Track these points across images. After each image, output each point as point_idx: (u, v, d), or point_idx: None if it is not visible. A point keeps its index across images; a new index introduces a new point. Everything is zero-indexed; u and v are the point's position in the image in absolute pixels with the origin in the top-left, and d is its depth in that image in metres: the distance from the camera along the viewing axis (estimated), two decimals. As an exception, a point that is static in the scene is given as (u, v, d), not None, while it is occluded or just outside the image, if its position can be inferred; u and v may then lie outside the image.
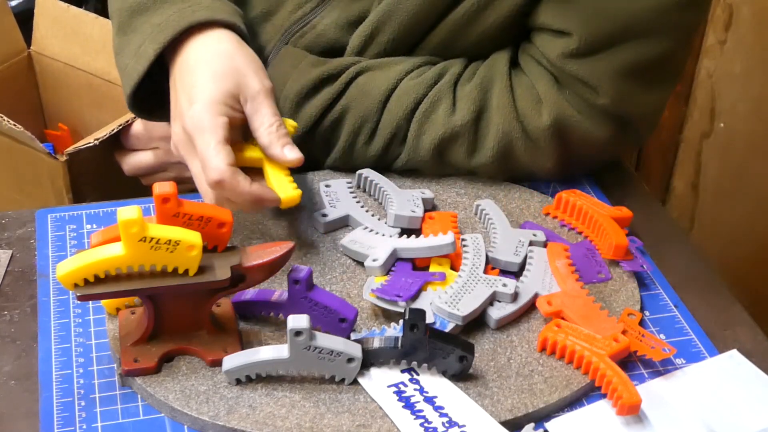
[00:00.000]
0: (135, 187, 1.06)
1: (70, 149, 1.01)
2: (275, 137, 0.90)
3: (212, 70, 0.91)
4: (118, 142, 1.07)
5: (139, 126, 1.05)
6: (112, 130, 1.02)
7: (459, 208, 1.01)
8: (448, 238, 0.91)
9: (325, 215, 0.97)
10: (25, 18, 1.25)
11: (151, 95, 0.98)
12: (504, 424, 0.78)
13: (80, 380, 0.81)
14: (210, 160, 0.86)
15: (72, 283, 0.76)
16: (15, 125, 0.99)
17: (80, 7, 1.16)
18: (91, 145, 1.00)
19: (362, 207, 0.98)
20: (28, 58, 1.21)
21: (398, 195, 0.98)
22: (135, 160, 1.06)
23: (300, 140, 1.01)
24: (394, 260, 0.92)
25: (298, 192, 0.89)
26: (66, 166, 1.01)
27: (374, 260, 0.90)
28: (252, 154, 0.91)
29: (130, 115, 1.05)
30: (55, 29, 1.18)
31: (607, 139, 1.02)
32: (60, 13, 1.14)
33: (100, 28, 1.13)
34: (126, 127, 1.05)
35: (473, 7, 0.99)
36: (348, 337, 0.83)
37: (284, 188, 0.88)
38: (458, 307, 0.85)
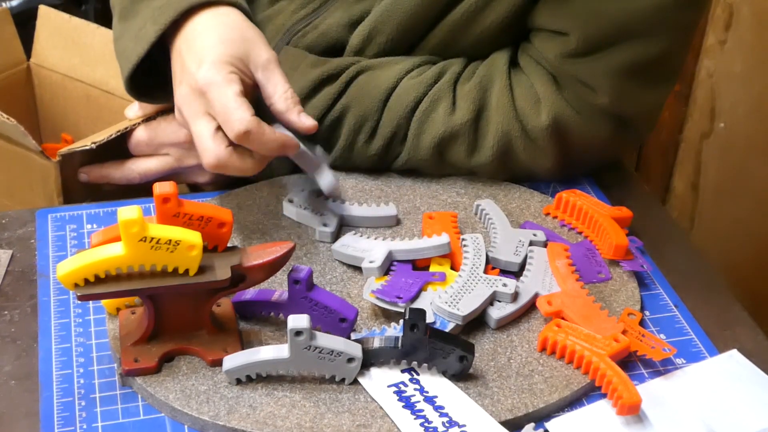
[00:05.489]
0: (128, 191, 1.04)
1: (64, 150, 0.97)
2: (291, 103, 0.91)
3: (221, 35, 0.91)
4: (117, 150, 1.04)
5: (144, 132, 1.03)
6: (110, 136, 0.98)
7: (459, 208, 1.01)
8: (442, 239, 0.91)
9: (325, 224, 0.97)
10: (23, 20, 1.23)
11: (150, 78, 0.98)
12: (504, 424, 0.78)
13: (80, 380, 0.81)
14: (233, 112, 0.86)
15: (72, 283, 0.76)
16: (8, 119, 0.95)
17: (80, 7, 1.15)
18: (87, 148, 0.97)
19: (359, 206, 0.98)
20: (27, 70, 1.18)
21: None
22: (145, 166, 1.03)
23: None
24: (390, 261, 0.91)
25: None
26: (58, 168, 0.98)
27: (371, 261, 0.90)
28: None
29: (130, 122, 1.02)
30: (55, 40, 1.15)
31: (606, 139, 1.02)
32: (61, 23, 1.12)
33: (100, 38, 1.12)
34: (130, 133, 1.02)
35: (471, 8, 0.99)
36: (348, 337, 0.83)
37: None
38: (458, 307, 0.85)
